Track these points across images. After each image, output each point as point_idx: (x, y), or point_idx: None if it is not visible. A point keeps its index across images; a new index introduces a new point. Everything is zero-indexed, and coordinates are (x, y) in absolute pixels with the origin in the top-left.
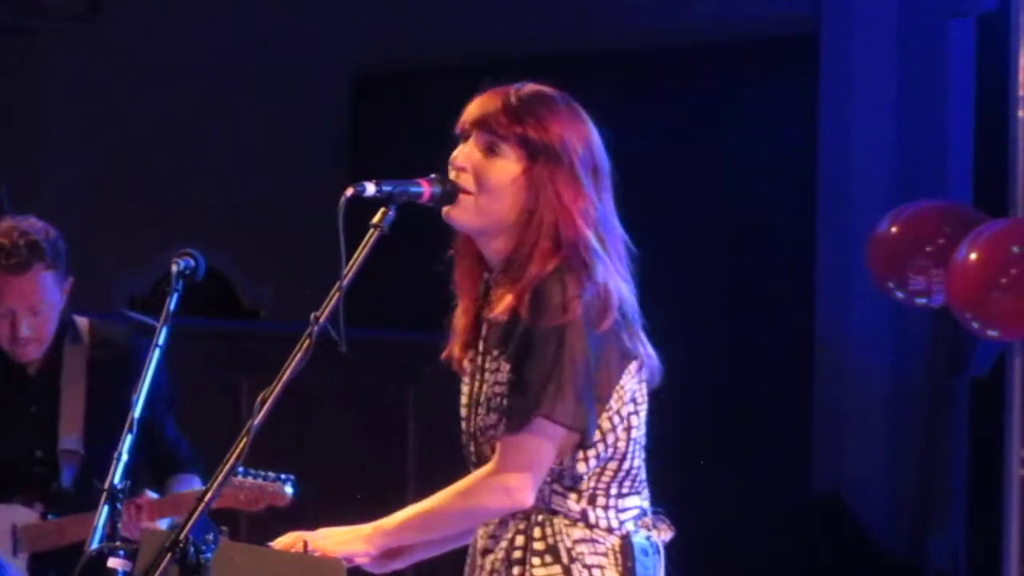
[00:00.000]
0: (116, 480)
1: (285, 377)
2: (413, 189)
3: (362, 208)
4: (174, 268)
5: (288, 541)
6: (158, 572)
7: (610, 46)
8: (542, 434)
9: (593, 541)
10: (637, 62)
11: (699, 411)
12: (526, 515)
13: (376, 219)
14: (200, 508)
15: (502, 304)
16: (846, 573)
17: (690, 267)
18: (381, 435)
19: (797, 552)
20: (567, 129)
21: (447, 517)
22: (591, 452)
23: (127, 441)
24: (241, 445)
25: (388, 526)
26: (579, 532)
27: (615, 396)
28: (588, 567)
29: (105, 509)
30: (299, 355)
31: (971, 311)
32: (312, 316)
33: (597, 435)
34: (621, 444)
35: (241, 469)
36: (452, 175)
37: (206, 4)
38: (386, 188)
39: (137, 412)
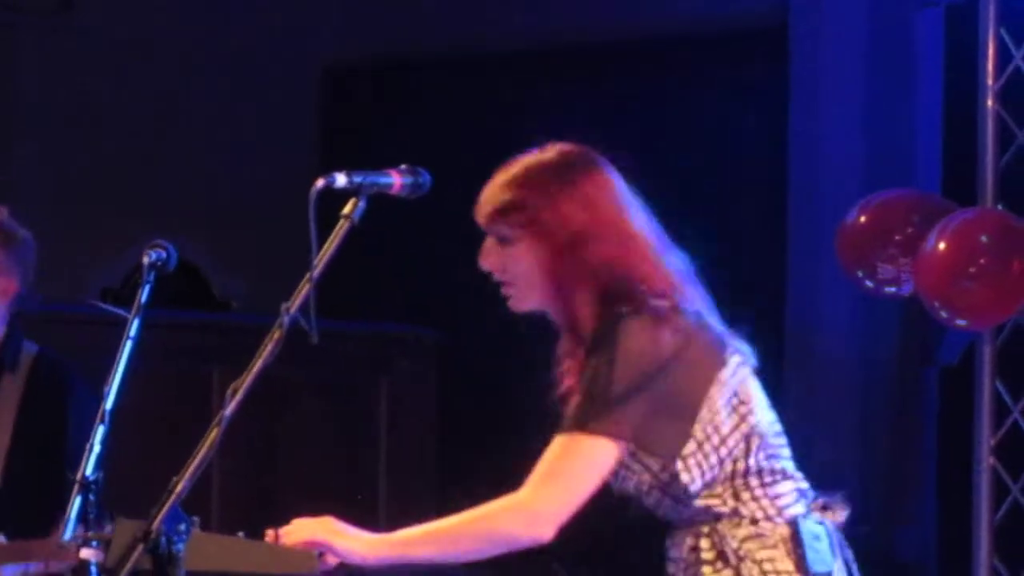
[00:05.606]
0: (88, 471)
1: (256, 368)
2: (384, 180)
3: (333, 199)
4: (145, 260)
5: (309, 530)
6: (130, 563)
7: (580, 40)
8: (575, 454)
9: (760, 536)
10: (607, 55)
11: None
12: (694, 528)
13: (347, 210)
14: (172, 498)
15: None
16: None
17: None
18: (352, 426)
19: None
20: (565, 203)
21: (463, 540)
22: (691, 461)
23: (99, 432)
24: (212, 436)
25: (395, 538)
26: (744, 530)
27: (705, 407)
28: (758, 562)
29: (78, 500)
30: (270, 346)
31: (940, 300)
32: (283, 307)
33: (692, 445)
34: (732, 443)
35: None
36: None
37: None
38: (357, 179)
39: (109, 404)
